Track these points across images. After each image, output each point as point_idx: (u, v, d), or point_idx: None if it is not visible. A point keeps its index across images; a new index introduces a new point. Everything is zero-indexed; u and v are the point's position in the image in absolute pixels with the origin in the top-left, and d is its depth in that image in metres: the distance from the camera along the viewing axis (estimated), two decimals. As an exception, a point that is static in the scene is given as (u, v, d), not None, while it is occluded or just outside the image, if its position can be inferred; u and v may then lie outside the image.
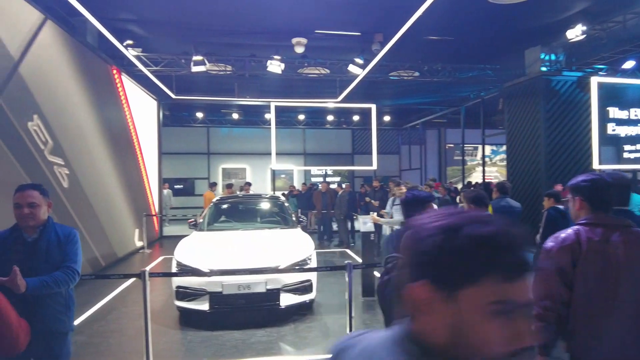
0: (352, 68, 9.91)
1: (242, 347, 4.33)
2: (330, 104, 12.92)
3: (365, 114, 18.52)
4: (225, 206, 7.11)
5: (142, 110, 10.99)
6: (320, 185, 11.15)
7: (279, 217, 6.70)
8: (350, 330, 3.91)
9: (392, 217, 6.15)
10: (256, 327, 4.84)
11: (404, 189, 5.90)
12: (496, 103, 13.27)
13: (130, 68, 9.98)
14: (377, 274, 7.18)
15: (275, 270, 4.82)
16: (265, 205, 7.28)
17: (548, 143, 9.55)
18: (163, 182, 13.48)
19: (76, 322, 5.08)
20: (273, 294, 4.86)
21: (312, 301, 5.26)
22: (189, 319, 5.14)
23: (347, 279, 3.95)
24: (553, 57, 9.84)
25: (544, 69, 9.73)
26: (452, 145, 20.01)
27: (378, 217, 6.39)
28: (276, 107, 12.24)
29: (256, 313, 5.29)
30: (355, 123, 19.12)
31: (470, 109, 14.56)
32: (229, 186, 10.90)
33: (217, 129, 18.40)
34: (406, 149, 19.46)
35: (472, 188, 10.21)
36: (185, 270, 4.91)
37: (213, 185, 10.94)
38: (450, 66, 11.06)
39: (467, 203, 3.43)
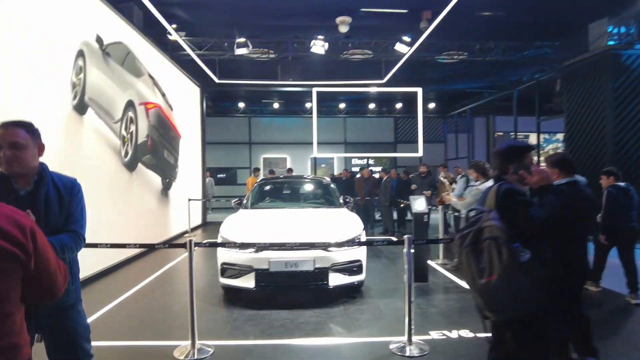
0: (398, 47, 9.47)
1: (291, 326, 4.09)
2: (374, 88, 12.49)
3: (408, 101, 17.93)
4: (269, 187, 6.92)
5: (185, 98, 11.04)
6: (361, 171, 10.76)
7: (325, 198, 6.42)
8: (410, 314, 3.56)
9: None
10: (304, 307, 4.59)
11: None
12: (552, 86, 12.35)
13: (174, 53, 10.01)
14: (431, 262, 6.78)
15: (325, 246, 4.55)
16: (310, 186, 7.04)
17: (616, 125, 8.69)
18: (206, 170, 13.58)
19: (122, 297, 5.05)
20: (321, 273, 4.58)
21: (361, 283, 4.95)
22: (234, 297, 4.96)
23: (405, 256, 3.60)
24: (623, 29, 8.94)
25: (611, 43, 8.86)
26: (501, 133, 19.00)
27: (448, 197, 5.99)
28: (317, 96, 11.97)
29: (303, 292, 5.06)
30: (398, 111, 18.55)
31: (522, 94, 13.66)
32: (271, 172, 10.77)
33: (258, 119, 18.42)
34: (452, 138, 18.66)
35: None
36: (236, 243, 4.73)
37: (256, 170, 10.85)
38: (503, 44, 10.35)
39: (550, 167, 3.00)
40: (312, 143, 12.23)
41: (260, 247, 4.53)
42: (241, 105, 17.95)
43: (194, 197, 11.19)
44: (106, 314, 4.51)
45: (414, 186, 9.30)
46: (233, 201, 6.20)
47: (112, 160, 6.93)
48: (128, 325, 4.22)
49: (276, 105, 17.97)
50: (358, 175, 12.10)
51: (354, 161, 18.32)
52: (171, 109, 9.90)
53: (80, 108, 6.01)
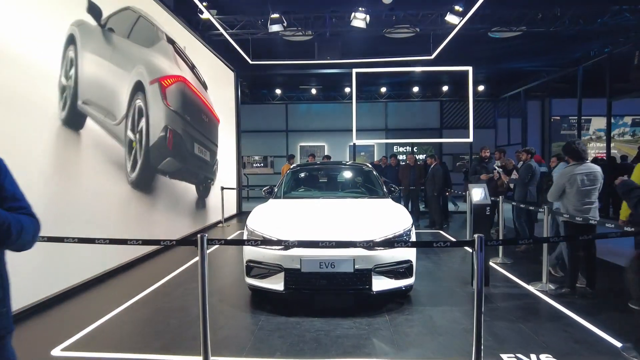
0: (449, 17, 8.42)
1: (325, 341, 3.38)
2: (419, 67, 11.44)
3: (456, 83, 16.66)
4: (304, 174, 6.20)
5: (220, 83, 10.52)
6: (407, 158, 9.78)
7: (366, 187, 5.63)
8: (479, 333, 2.74)
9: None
10: (341, 316, 3.86)
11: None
12: (628, 61, 10.79)
13: (205, 34, 9.46)
14: (492, 264, 5.86)
15: (367, 244, 3.80)
16: (349, 173, 6.25)
17: None
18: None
19: (137, 297, 4.52)
20: (363, 276, 3.83)
21: (410, 287, 4.15)
22: (262, 300, 4.33)
23: (475, 260, 2.77)
24: None
25: None
26: (558, 117, 17.33)
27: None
28: (357, 78, 11.11)
29: (341, 298, 4.34)
30: (444, 94, 17.31)
31: (585, 73, 12.11)
32: (312, 156, 10.11)
33: (295, 105, 17.78)
34: (503, 123, 17.20)
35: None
36: (258, 240, 4.07)
37: (291, 157, 10.19)
38: (571, 12, 9.02)
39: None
40: (351, 130, 11.45)
41: (290, 244, 3.85)
42: (278, 91, 17.37)
43: (228, 185, 10.73)
44: (118, 316, 3.99)
45: (484, 176, 7.67)
46: (263, 189, 5.54)
47: (117, 184, 5.40)
48: (138, 332, 3.67)
49: (314, 91, 17.23)
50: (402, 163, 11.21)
51: (396, 148, 17.30)
52: (205, 87, 8.90)
53: (74, 121, 4.58)
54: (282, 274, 3.88)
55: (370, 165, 6.01)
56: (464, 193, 10.90)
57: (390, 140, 16.66)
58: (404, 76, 15.57)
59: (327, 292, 4.01)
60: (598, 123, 17.20)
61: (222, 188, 9.73)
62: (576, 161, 4.34)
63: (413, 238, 4.17)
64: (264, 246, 3.97)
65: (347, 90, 16.82)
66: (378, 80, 16.24)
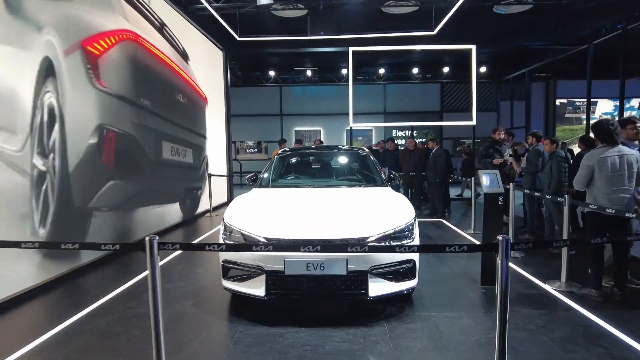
0: (453, -12, 7.70)
1: (312, 357, 2.82)
2: (420, 46, 10.73)
3: (457, 64, 15.93)
4: (293, 159, 5.58)
5: (207, 63, 9.80)
6: (407, 142, 9.13)
7: (363, 174, 5.03)
8: (503, 342, 2.18)
9: None
10: (331, 325, 3.31)
11: None
12: (637, 40, 10.11)
13: (189, 8, 8.71)
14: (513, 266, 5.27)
15: (362, 243, 3.24)
16: (344, 159, 5.63)
17: None
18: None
19: (102, 300, 3.95)
20: (357, 279, 3.27)
21: (412, 290, 3.58)
22: (242, 305, 3.77)
23: (499, 268, 2.20)
24: None
25: None
26: (564, 101, 16.66)
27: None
28: (354, 58, 10.40)
29: (331, 304, 3.77)
30: (445, 76, 16.60)
31: (594, 52, 11.40)
32: (298, 141, 9.48)
33: (289, 88, 17.04)
34: (506, 106, 16.53)
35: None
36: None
37: (283, 142, 9.55)
38: (585, -17, 8.30)
39: None
40: (347, 113, 10.79)
41: (272, 244, 3.27)
42: (271, 73, 16.62)
43: (218, 172, 10.12)
44: (74, 325, 3.42)
45: (496, 161, 6.81)
46: (247, 177, 4.93)
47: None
48: (99, 345, 3.10)
49: (309, 73, 16.49)
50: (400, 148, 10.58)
51: (394, 132, 16.64)
52: (185, 58, 7.59)
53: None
54: (263, 277, 3.31)
55: (367, 150, 5.39)
56: (466, 179, 10.35)
57: (388, 124, 16.00)
58: (404, 56, 14.84)
59: (316, 298, 3.44)
60: (604, 106, 16.56)
61: (210, 175, 9.12)
62: (607, 144, 3.75)
63: (416, 233, 3.59)
64: (242, 243, 3.40)
65: (344, 71, 16.09)
66: (376, 61, 15.51)
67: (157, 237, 2.24)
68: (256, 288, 3.35)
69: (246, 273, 3.40)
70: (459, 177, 10.37)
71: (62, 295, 4.09)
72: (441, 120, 16.71)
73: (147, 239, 2.20)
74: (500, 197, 4.19)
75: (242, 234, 3.44)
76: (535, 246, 3.15)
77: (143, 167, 5.85)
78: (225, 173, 11.08)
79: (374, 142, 16.02)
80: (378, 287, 3.31)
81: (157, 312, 2.26)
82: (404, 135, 16.50)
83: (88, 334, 3.24)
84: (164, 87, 6.71)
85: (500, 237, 2.17)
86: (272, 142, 16.98)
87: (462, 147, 15.96)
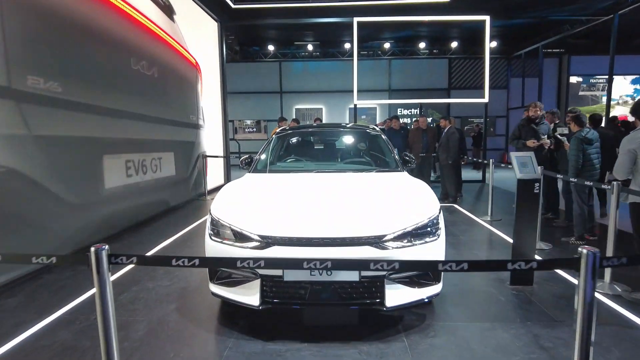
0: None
1: (317, 389, 2.26)
2: (429, 17, 9.91)
3: (466, 39, 15.07)
4: (294, 139, 4.93)
5: (200, 35, 9.03)
6: (419, 119, 8.42)
7: (374, 157, 4.39)
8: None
9: None
10: (341, 340, 2.74)
11: None
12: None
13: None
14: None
15: (377, 242, 2.64)
16: (352, 139, 4.90)
17: None
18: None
19: (69, 306, 3.38)
20: (372, 285, 2.68)
21: (434, 297, 2.99)
22: (235, 312, 3.19)
23: (581, 289, 1.59)
24: None
25: None
26: (579, 78, 15.83)
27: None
28: (359, 33, 9.63)
29: (339, 314, 3.19)
30: (453, 51, 15.75)
31: (606, 28, 10.58)
32: (294, 121, 8.82)
33: (289, 64, 16.21)
34: (516, 83, 15.76)
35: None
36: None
37: (282, 120, 8.87)
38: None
39: None
40: (350, 91, 10.09)
41: (266, 241, 2.69)
42: (270, 48, 15.78)
43: (214, 153, 9.49)
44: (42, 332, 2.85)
45: (531, 142, 5.83)
46: (241, 159, 4.29)
47: None
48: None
49: (310, 47, 15.65)
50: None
51: (400, 111, 15.89)
52: (169, 15, 6.26)
53: None
54: (257, 282, 2.72)
55: (377, 128, 4.71)
56: (478, 159, 9.71)
57: (394, 101, 15.24)
58: (410, 30, 13.99)
59: (322, 308, 2.85)
60: (621, 85, 15.73)
61: (204, 156, 8.48)
62: None
63: (442, 228, 2.98)
64: (230, 242, 2.81)
65: (347, 46, 15.25)
66: (381, 35, 14.66)
67: (107, 247, 1.63)
68: (249, 295, 2.76)
69: (237, 277, 2.82)
70: (473, 158, 9.74)
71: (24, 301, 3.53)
72: (448, 97, 15.95)
73: (92, 250, 1.59)
74: (536, 184, 3.57)
75: (232, 230, 2.84)
76: (632, 262, 2.18)
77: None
78: (221, 154, 10.44)
79: (378, 120, 15.31)
80: (396, 295, 2.72)
81: (110, 342, 1.67)
82: (409, 113, 15.76)
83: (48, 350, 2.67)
84: (114, 54, 4.96)
85: (584, 250, 1.55)
86: (272, 121, 16.28)
87: (470, 126, 15.28)
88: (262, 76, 16.17)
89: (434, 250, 2.83)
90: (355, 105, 10.25)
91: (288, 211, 2.92)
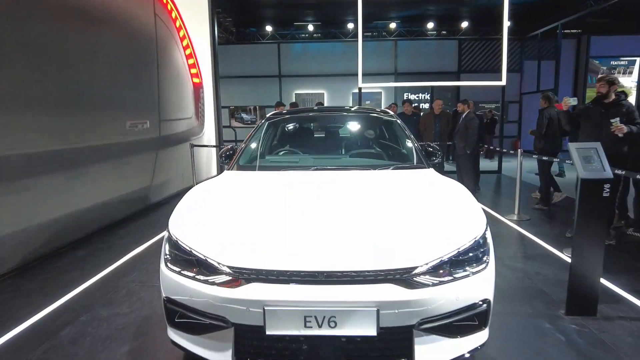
0: None
1: None
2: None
3: (477, 19, 14.00)
4: (289, 126, 4.03)
5: (188, 12, 8.05)
6: (434, 104, 7.45)
7: (390, 149, 3.50)
8: None
9: None
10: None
11: None
12: None
13: None
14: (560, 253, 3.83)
15: (404, 277, 1.81)
16: (362, 125, 3.87)
17: None
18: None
19: (9, 336, 2.55)
20: (396, 340, 1.84)
21: (479, 348, 2.11)
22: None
23: None
24: None
25: None
26: (596, 62, 14.77)
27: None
28: (363, 10, 8.64)
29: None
30: (464, 31, 14.70)
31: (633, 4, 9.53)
32: (293, 106, 7.94)
33: (289, 45, 15.19)
34: (530, 66, 14.73)
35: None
36: (179, 261, 2.06)
37: (279, 105, 7.96)
38: None
39: None
40: (354, 74, 9.15)
41: (242, 275, 1.85)
42: (268, 29, 14.75)
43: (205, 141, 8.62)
44: None
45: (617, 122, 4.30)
46: (221, 152, 3.39)
47: None
48: None
49: (310, 28, 14.62)
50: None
51: (406, 96, 14.89)
52: None
53: None
54: (230, 333, 1.88)
55: (392, 113, 3.79)
56: (494, 147, 8.83)
57: (401, 84, 14.19)
58: (418, 8, 12.95)
59: None
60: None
61: (192, 145, 7.60)
62: None
63: (491, 250, 2.12)
64: (191, 275, 1.97)
65: (350, 26, 14.22)
66: (387, 14, 13.61)
67: None
68: (218, 350, 1.93)
69: (203, 323, 1.97)
70: (495, 147, 8.81)
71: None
72: (458, 81, 14.93)
73: None
74: (606, 186, 2.70)
75: (195, 257, 1.99)
76: None
77: None
78: (213, 143, 9.55)
79: (383, 106, 14.35)
80: (430, 351, 1.88)
81: None
82: (417, 98, 14.78)
83: None
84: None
85: None
86: (270, 107, 15.33)
87: (482, 112, 14.31)
88: (260, 59, 15.16)
89: (481, 284, 1.97)
90: (359, 88, 9.32)
91: (275, 230, 2.05)
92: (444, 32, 15.14)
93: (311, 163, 3.03)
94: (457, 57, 14.98)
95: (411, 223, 2.07)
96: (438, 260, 1.89)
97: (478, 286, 1.96)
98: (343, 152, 3.51)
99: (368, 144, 3.66)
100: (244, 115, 14.42)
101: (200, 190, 2.58)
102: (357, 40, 8.94)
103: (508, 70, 15.07)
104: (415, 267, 1.84)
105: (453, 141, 6.95)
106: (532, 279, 3.48)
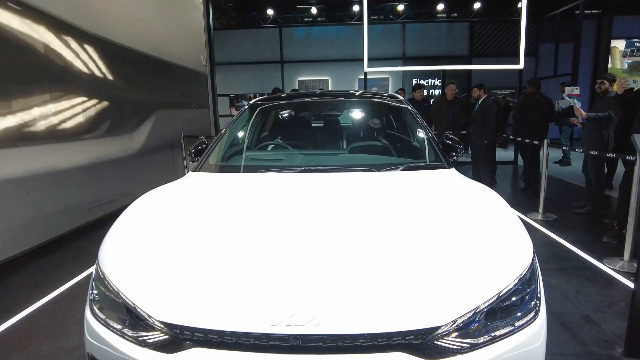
0: None
1: None
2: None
3: (489, 0, 13.19)
4: (285, 113, 3.39)
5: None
6: (446, 89, 6.69)
7: (401, 143, 2.86)
8: None
9: None
10: None
11: None
12: None
13: None
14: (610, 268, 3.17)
15: (422, 341, 1.19)
16: (365, 113, 3.21)
17: None
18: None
19: None
20: None
21: None
22: None
23: None
24: None
25: None
26: (619, 44, 13.83)
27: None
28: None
29: None
30: (475, 13, 13.86)
31: None
32: (276, 91, 7.34)
33: (291, 30, 14.44)
34: (547, 50, 13.88)
35: None
36: (106, 309, 1.47)
37: (276, 91, 7.32)
38: None
39: None
40: (360, 59, 8.46)
41: (182, 335, 1.25)
42: (270, 12, 14.02)
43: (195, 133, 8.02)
44: None
45: None
46: (191, 148, 2.77)
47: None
48: None
49: (314, 11, 13.87)
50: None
51: (415, 81, 14.12)
52: None
53: None
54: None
55: (402, 99, 3.13)
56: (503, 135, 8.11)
57: (410, 68, 13.39)
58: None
59: None
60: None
61: (183, 136, 7.00)
62: None
63: (541, 291, 1.50)
64: (116, 328, 1.38)
65: (355, 8, 13.44)
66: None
67: None
68: None
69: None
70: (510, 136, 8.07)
71: None
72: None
73: None
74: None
75: (124, 303, 1.39)
76: None
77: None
78: (212, 133, 8.94)
79: (390, 91, 13.63)
80: None
81: None
82: (427, 84, 14.00)
83: None
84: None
85: None
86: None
87: (495, 98, 13.54)
88: (261, 44, 14.42)
89: (532, 343, 1.36)
90: (365, 73, 8.66)
91: (234, 270, 1.41)
92: (454, 14, 14.32)
93: (299, 162, 2.39)
94: (469, 40, 14.13)
95: (430, 257, 1.43)
96: (470, 314, 1.27)
97: (527, 347, 1.34)
98: (341, 146, 2.86)
99: (372, 136, 3.02)
100: (245, 104, 13.79)
101: (145, 204, 1.93)
102: (362, 24, 8.26)
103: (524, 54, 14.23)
104: (438, 327, 1.22)
105: (468, 130, 6.27)
106: (572, 301, 2.85)
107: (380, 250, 1.46)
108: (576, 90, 5.85)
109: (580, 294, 2.95)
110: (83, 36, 4.63)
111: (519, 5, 13.13)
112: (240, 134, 2.85)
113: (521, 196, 6.09)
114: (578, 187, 6.38)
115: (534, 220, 4.86)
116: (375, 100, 3.25)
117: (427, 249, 1.47)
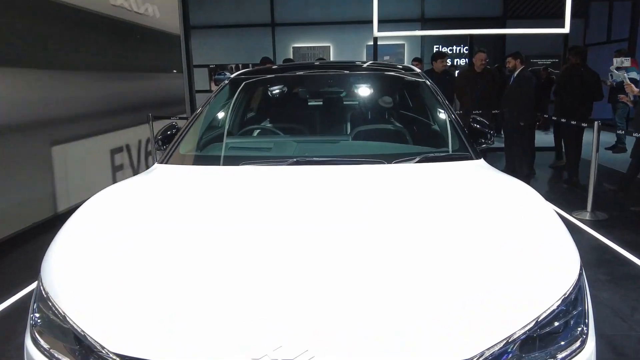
0: None
1: None
2: None
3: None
4: (275, 90, 3.34)
5: None
6: (475, 58, 6.64)
7: (418, 127, 2.82)
8: None
9: None
10: None
11: None
12: None
13: None
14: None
15: None
16: (373, 90, 3.17)
17: None
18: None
19: None
20: None
21: None
22: None
23: None
24: None
25: None
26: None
27: None
28: None
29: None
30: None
31: None
32: (266, 60, 7.35)
33: (284, -15, 14.46)
34: (599, 10, 13.89)
35: None
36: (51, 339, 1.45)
37: (267, 61, 7.29)
38: None
39: None
40: (369, 22, 8.42)
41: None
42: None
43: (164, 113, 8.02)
44: None
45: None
46: (158, 133, 2.71)
47: None
48: None
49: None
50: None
51: (436, 48, 14.10)
52: None
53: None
54: None
55: (419, 72, 3.06)
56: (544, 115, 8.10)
57: (430, 32, 13.39)
58: None
59: None
60: None
61: (151, 117, 6.98)
62: None
63: (590, 316, 1.48)
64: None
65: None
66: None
67: None
68: None
69: None
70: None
71: None
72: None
73: None
74: None
75: (74, 331, 1.37)
76: None
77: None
78: (187, 114, 8.95)
79: (406, 62, 13.60)
80: None
81: None
82: (451, 52, 13.98)
83: None
84: None
85: None
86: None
87: (534, 69, 13.51)
88: (247, 3, 14.40)
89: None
90: (375, 39, 8.60)
91: (205, 293, 1.37)
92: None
93: (291, 152, 2.35)
94: (502, -1, 14.12)
95: (452, 275, 1.40)
96: (502, 344, 1.25)
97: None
98: (343, 131, 2.82)
99: (382, 118, 2.98)
100: (227, 76, 13.80)
101: (99, 206, 1.89)
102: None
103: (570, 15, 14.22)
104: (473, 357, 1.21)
105: (501, 110, 6.25)
106: (627, 321, 2.85)
107: (391, 266, 1.43)
108: (627, 62, 5.82)
109: (638, 312, 2.95)
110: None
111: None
112: (220, 115, 2.82)
113: (565, 190, 6.09)
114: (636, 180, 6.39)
115: (581, 220, 4.88)
116: (387, 73, 3.20)
117: (449, 264, 1.44)
